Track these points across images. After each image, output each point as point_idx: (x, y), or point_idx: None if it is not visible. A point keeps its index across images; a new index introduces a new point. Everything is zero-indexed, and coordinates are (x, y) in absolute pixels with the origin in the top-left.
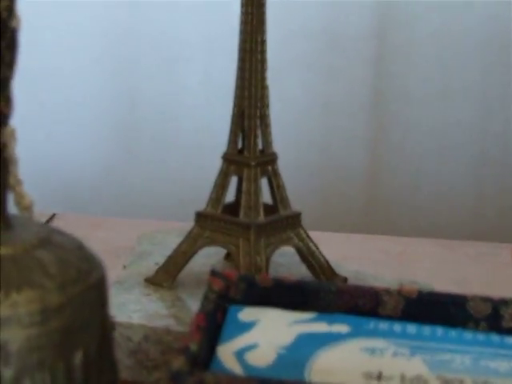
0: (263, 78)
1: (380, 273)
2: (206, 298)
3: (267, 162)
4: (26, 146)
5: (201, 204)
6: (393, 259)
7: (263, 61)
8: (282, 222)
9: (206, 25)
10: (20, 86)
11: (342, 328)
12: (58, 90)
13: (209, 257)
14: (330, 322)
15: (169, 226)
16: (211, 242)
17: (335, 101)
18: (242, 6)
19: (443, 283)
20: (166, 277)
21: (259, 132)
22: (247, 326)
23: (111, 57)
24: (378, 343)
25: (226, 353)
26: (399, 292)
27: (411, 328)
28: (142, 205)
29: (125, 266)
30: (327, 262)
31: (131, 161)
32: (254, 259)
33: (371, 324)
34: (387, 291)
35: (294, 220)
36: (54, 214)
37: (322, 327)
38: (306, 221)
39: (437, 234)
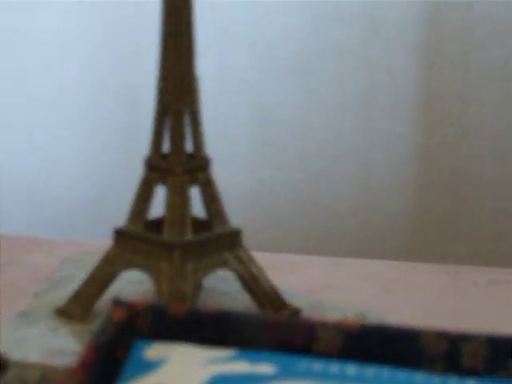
0: (191, 67)
1: (352, 304)
2: (101, 330)
3: (197, 168)
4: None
5: None
6: (379, 288)
7: (190, 46)
8: (217, 241)
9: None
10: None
11: (266, 368)
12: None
13: (140, 283)
14: (253, 361)
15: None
16: (130, 265)
17: (375, 98)
18: None
19: (434, 316)
20: (78, 307)
21: (187, 132)
22: (152, 366)
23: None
24: None
25: None
26: (338, 326)
27: (351, 368)
28: None
29: (36, 295)
30: (275, 290)
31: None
32: (179, 286)
33: (303, 363)
34: (323, 325)
35: (232, 239)
36: None
37: (242, 367)
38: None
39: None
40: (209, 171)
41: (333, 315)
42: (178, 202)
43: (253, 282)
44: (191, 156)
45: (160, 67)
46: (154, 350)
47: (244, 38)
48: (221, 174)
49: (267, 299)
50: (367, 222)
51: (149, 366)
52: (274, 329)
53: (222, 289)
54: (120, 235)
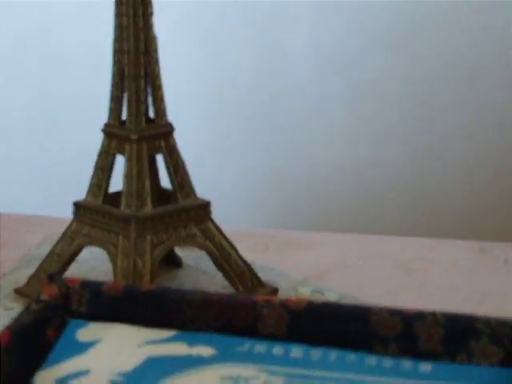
0: (148, 26)
1: (353, 286)
2: (26, 309)
3: (158, 135)
4: None
5: None
6: (398, 267)
7: (147, 4)
8: (181, 215)
9: None
10: None
11: (205, 350)
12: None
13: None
14: (192, 343)
15: None
16: (89, 241)
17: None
18: None
19: (460, 298)
20: (37, 286)
21: (145, 96)
22: (84, 347)
23: None
24: (246, 370)
25: (45, 380)
26: (283, 304)
27: (296, 351)
28: None
29: (4, 274)
30: (249, 268)
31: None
32: (133, 262)
33: (245, 346)
34: (268, 302)
35: (199, 212)
36: None
37: (180, 349)
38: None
39: None
40: (171, 139)
41: (317, 298)
42: (134, 171)
43: (223, 260)
44: (151, 122)
45: (115, 26)
46: (87, 331)
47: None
48: (316, 150)
49: (240, 278)
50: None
51: (80, 348)
52: (214, 308)
53: (202, 268)
54: (79, 209)
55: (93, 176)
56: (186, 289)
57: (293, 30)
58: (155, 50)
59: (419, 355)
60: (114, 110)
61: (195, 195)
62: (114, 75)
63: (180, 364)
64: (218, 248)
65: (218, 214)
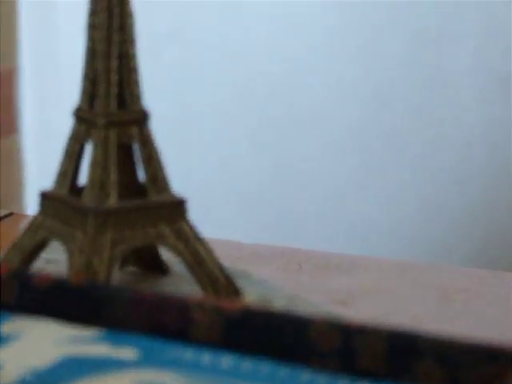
0: (124, 1)
1: (379, 312)
2: None
3: (129, 121)
4: None
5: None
6: (436, 297)
7: None
8: (150, 211)
9: None
10: None
11: (128, 353)
12: None
13: None
14: (116, 344)
15: None
16: (51, 234)
17: None
18: None
19: (495, 331)
20: None
21: (117, 77)
22: (2, 341)
23: None
24: (165, 377)
25: None
26: (216, 308)
27: (226, 360)
28: None
29: None
30: (226, 276)
31: None
32: (88, 260)
33: (172, 350)
34: (200, 305)
35: (172, 209)
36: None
37: (101, 350)
38: None
39: None
40: (145, 126)
41: (303, 309)
42: (99, 159)
43: (196, 264)
44: (123, 106)
45: (88, 1)
46: (10, 324)
47: None
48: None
49: (214, 285)
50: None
51: None
52: (144, 307)
53: (190, 276)
54: (43, 199)
55: (60, 164)
56: (117, 285)
57: (455, 48)
58: (131, 28)
59: (358, 373)
60: (85, 91)
61: (170, 191)
62: (86, 53)
63: (98, 366)
64: (191, 251)
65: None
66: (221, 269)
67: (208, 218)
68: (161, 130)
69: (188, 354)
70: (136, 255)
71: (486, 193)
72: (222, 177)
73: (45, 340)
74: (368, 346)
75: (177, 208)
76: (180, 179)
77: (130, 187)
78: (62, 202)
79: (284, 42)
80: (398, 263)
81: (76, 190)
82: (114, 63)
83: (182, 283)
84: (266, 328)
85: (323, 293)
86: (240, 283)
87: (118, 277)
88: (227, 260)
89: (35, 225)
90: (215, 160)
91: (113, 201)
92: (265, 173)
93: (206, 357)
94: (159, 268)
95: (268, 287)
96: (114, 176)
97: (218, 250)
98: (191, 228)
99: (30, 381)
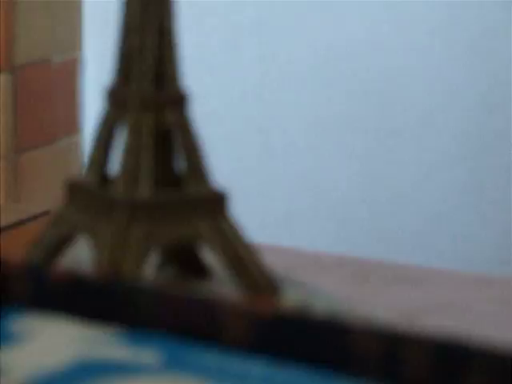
0: None
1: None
2: None
3: (166, 103)
4: None
5: None
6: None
7: None
8: (186, 206)
9: None
10: None
11: (149, 356)
12: None
13: None
14: (136, 345)
15: None
16: (76, 229)
17: None
18: None
19: None
20: None
21: (154, 55)
22: (12, 340)
23: None
24: None
25: None
26: (248, 311)
27: (257, 369)
28: None
29: None
30: (268, 279)
31: None
32: (116, 256)
33: (198, 355)
34: (230, 307)
35: (211, 204)
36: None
37: (120, 352)
38: None
39: None
40: (184, 110)
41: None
42: (131, 145)
43: (235, 265)
44: (160, 87)
45: None
46: (23, 321)
47: None
48: None
49: (253, 288)
50: None
51: (7, 341)
52: (169, 305)
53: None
54: (71, 190)
55: (90, 151)
56: (141, 281)
57: None
58: (170, 0)
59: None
60: (118, 70)
61: (209, 184)
62: (122, 28)
63: (115, 370)
64: (231, 252)
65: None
66: (262, 271)
67: (291, 227)
68: (240, 132)
69: (216, 359)
70: (175, 255)
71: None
72: (307, 186)
73: (59, 340)
74: (413, 357)
75: (216, 203)
76: (261, 187)
77: (166, 178)
78: (90, 192)
79: (381, 44)
80: (471, 276)
81: (107, 180)
82: (151, 39)
83: (222, 288)
84: (301, 333)
85: (392, 307)
86: (287, 288)
87: (153, 278)
88: (288, 267)
89: (59, 218)
90: (300, 168)
91: (145, 192)
92: (354, 183)
93: (236, 363)
94: (201, 270)
95: (313, 292)
96: (147, 164)
97: (281, 257)
98: (231, 226)
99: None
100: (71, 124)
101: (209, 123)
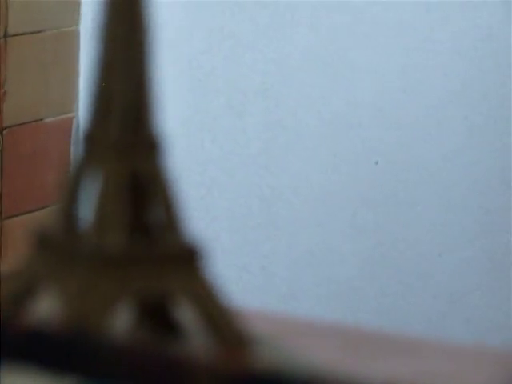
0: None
1: None
2: None
3: (142, 149)
4: None
5: None
6: None
7: None
8: (158, 259)
9: None
10: None
11: None
12: None
13: None
14: None
15: None
16: (39, 281)
17: None
18: None
19: None
20: None
21: (131, 100)
22: None
23: None
24: None
25: None
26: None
27: None
28: None
29: None
30: (237, 334)
31: None
32: (80, 308)
33: None
34: (192, 362)
35: (184, 259)
36: None
37: None
38: None
39: None
40: (159, 157)
41: None
42: (105, 193)
43: (207, 321)
44: (135, 132)
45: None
46: None
47: None
48: None
49: (221, 337)
50: None
51: None
52: (126, 361)
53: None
54: (37, 239)
55: (59, 197)
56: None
57: None
58: (150, 46)
59: None
60: (94, 113)
61: (183, 237)
62: (98, 70)
63: None
64: (202, 308)
65: None
66: (234, 330)
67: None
68: (242, 202)
69: None
70: (149, 310)
71: None
72: (312, 261)
73: None
74: None
75: (190, 258)
76: (267, 258)
77: (139, 228)
78: (57, 243)
79: (390, 111)
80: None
81: (75, 230)
82: (127, 86)
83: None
84: None
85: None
86: (260, 349)
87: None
88: (278, 334)
89: (22, 269)
90: (306, 241)
91: (115, 244)
92: (361, 260)
93: None
94: (174, 326)
95: (287, 354)
96: (118, 214)
97: (273, 324)
98: (205, 282)
99: None
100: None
101: (210, 192)
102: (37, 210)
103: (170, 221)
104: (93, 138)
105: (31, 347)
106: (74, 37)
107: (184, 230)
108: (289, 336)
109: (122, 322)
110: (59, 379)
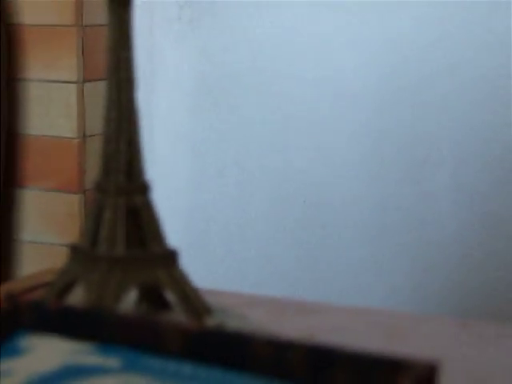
0: (130, 99)
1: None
2: None
3: (135, 191)
4: None
5: None
6: (381, 334)
7: (129, 79)
8: (149, 259)
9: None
10: None
11: (113, 362)
12: None
13: None
14: (104, 355)
15: None
16: (75, 277)
17: None
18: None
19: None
20: None
21: (126, 158)
22: (18, 352)
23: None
24: (141, 380)
25: None
26: (178, 327)
27: (187, 368)
28: None
29: None
30: (204, 306)
31: None
32: (99, 296)
33: (146, 360)
34: (168, 325)
35: (167, 258)
36: None
37: (93, 359)
38: None
39: None
40: (147, 195)
41: None
42: (111, 219)
43: (183, 299)
44: (130, 180)
45: (105, 98)
46: (28, 340)
47: None
48: None
49: (195, 315)
50: None
51: (15, 353)
52: (127, 327)
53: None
54: (71, 250)
55: (85, 223)
56: (108, 310)
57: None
58: (136, 119)
59: (291, 379)
60: (102, 168)
61: (165, 245)
62: (103, 139)
63: (92, 371)
64: (180, 290)
65: None
66: (202, 304)
67: None
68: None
69: (157, 362)
70: (147, 295)
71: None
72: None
73: (51, 352)
74: (294, 357)
75: (170, 258)
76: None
77: (135, 240)
78: (84, 252)
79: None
80: (353, 309)
81: (96, 243)
82: (123, 146)
83: (177, 316)
84: (218, 343)
85: (296, 330)
86: (218, 315)
87: (128, 311)
88: (229, 304)
89: (63, 270)
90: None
91: (120, 251)
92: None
93: (171, 365)
94: (165, 305)
95: (234, 317)
96: (121, 232)
97: (225, 299)
98: (181, 273)
99: (33, 381)
100: None
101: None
102: None
103: (155, 234)
104: (101, 184)
105: (66, 320)
106: None
107: (165, 240)
108: (236, 306)
109: (128, 302)
110: (80, 343)
